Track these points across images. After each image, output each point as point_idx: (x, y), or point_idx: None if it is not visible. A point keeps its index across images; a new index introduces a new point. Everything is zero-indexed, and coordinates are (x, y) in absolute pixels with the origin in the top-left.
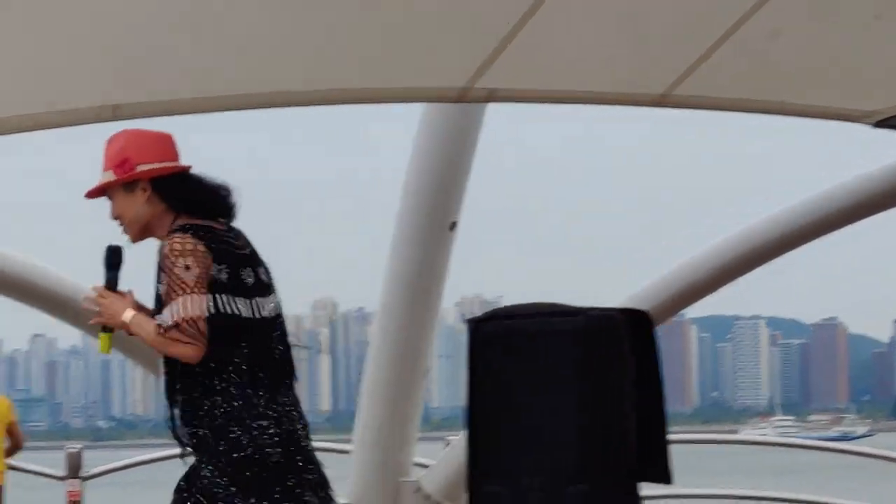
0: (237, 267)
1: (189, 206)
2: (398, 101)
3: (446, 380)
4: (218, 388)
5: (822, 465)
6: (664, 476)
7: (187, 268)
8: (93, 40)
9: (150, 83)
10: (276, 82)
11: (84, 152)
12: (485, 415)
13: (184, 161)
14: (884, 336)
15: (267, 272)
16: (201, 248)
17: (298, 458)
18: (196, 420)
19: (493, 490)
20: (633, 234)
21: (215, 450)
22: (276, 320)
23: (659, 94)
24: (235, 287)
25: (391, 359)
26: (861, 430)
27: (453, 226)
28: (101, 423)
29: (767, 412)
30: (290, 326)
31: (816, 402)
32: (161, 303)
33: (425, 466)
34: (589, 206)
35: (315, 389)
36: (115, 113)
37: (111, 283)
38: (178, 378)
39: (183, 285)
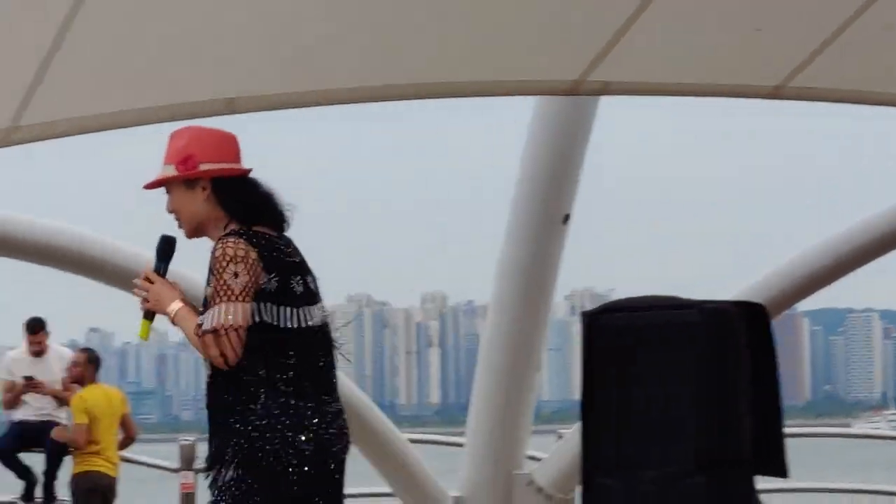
0: (287, 275)
1: (245, 210)
2: (511, 94)
3: (556, 373)
4: (256, 395)
5: None
6: (780, 470)
7: (236, 275)
8: (207, 35)
9: (264, 76)
10: (389, 75)
11: None
12: (599, 408)
13: (245, 164)
14: None
15: (314, 280)
16: (253, 255)
17: (332, 469)
18: (233, 426)
19: (607, 483)
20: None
21: (250, 457)
22: (322, 329)
23: (773, 85)
24: (283, 296)
25: (504, 352)
26: None
27: (566, 219)
28: None
29: (880, 406)
30: (401, 321)
31: None
32: (207, 304)
33: (537, 459)
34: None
35: (424, 382)
36: (230, 106)
37: (161, 272)
38: (220, 382)
39: (228, 292)
